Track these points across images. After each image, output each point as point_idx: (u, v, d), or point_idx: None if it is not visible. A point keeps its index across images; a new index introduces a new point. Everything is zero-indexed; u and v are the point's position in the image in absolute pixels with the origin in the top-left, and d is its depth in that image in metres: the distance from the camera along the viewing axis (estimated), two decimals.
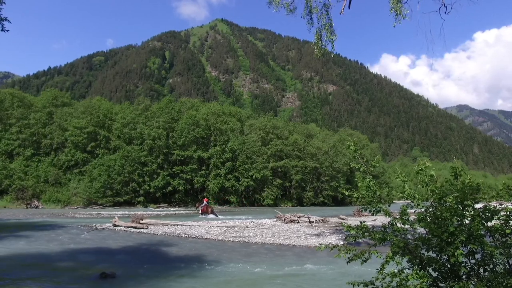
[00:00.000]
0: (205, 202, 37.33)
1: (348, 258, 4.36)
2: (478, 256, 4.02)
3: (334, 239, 16.94)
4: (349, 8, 15.68)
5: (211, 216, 33.92)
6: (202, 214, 35.72)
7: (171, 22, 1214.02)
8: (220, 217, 33.66)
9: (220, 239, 17.86)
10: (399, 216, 4.52)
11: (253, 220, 26.97)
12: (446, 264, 4.04)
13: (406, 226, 4.46)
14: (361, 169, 4.87)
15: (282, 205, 61.59)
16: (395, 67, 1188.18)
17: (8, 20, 13.97)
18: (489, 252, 3.79)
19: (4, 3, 13.55)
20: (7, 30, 14.18)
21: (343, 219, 26.52)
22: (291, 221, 25.00)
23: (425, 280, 3.81)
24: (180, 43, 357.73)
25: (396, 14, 13.81)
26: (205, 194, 59.06)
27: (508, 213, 3.93)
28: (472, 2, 13.32)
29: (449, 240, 3.92)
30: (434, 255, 4.13)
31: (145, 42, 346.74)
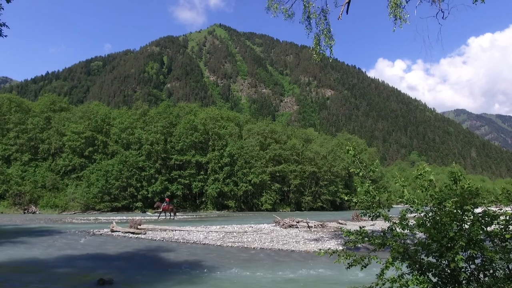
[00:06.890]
0: (166, 201, 39.33)
1: (348, 263, 4.33)
2: (478, 261, 4.00)
3: (333, 244, 16.88)
4: (347, 13, 15.79)
5: (174, 217, 36.42)
6: (162, 212, 37.72)
7: (169, 28, 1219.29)
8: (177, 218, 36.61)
9: (218, 244, 17.79)
10: (398, 221, 4.51)
11: (252, 225, 26.88)
12: (446, 269, 4.03)
13: (406, 231, 4.44)
14: (360, 173, 4.86)
15: (281, 210, 61.52)
16: (390, 72, 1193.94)
17: (7, 26, 13.90)
18: (489, 257, 3.78)
19: (3, 8, 13.52)
20: (5, 36, 14.13)
21: (342, 223, 26.46)
22: (290, 226, 24.93)
23: (425, 286, 3.79)
24: (178, 48, 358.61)
25: (395, 19, 13.86)
26: (203, 199, 59.06)
27: (507, 217, 3.93)
28: (469, 7, 13.40)
29: (449, 245, 3.91)
30: (434, 260, 4.11)
31: (143, 47, 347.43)
